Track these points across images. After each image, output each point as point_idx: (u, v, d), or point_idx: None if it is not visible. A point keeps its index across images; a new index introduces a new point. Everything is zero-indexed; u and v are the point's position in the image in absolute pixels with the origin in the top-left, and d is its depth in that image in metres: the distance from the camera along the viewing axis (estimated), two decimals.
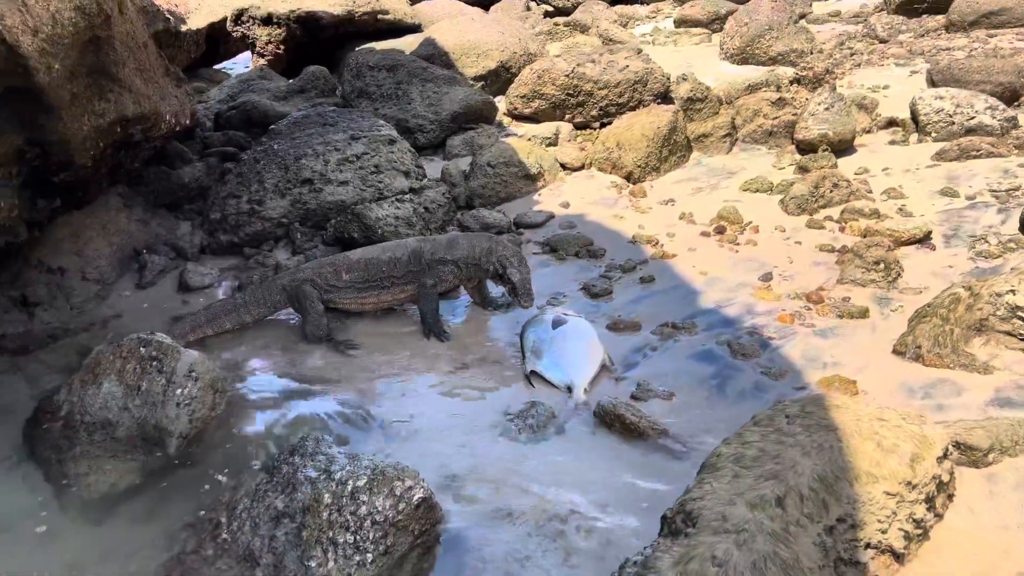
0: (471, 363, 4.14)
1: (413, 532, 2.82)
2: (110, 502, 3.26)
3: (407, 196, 5.67)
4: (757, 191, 5.95)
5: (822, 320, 4.23)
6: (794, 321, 4.24)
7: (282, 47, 9.83)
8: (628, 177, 6.39)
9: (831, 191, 5.51)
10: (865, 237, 4.91)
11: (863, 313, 4.21)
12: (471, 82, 7.74)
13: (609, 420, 3.50)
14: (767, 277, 4.72)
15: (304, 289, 4.49)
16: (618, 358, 4.06)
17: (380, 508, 2.78)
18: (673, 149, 6.55)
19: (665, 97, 7.24)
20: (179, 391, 3.59)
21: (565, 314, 4.25)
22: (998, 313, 3.66)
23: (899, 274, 4.49)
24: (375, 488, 2.84)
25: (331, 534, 2.73)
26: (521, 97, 7.21)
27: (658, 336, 4.24)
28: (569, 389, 3.79)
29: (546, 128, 7.10)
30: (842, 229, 5.21)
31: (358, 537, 2.72)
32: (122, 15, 4.23)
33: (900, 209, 5.34)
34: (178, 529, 3.05)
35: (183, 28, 10.25)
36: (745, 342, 4.06)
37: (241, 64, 11.77)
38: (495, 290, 4.76)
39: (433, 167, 6.63)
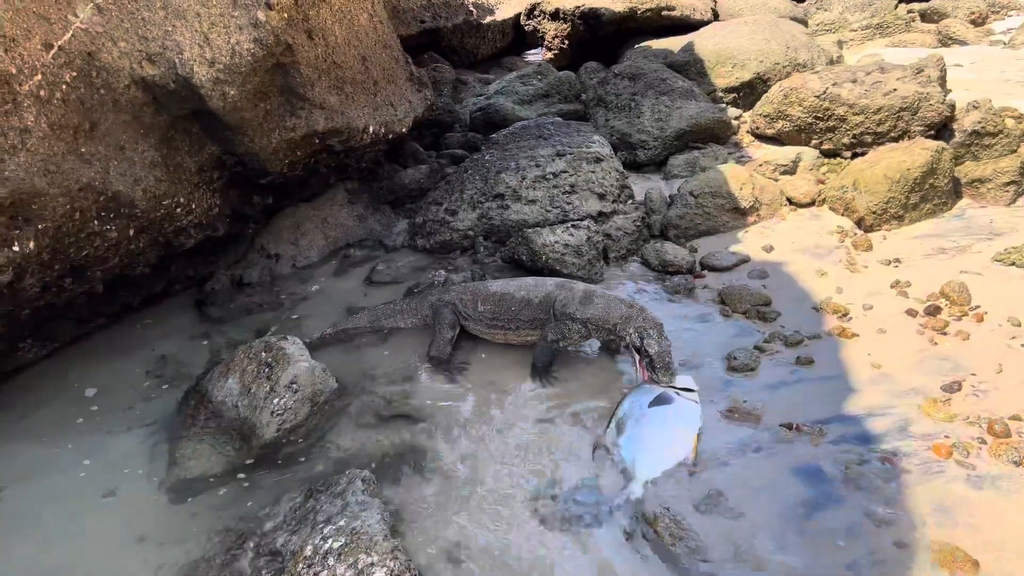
0: (561, 419, 3.95)
1: None
2: (196, 486, 3.71)
3: (585, 222, 5.48)
4: (1014, 264, 4.75)
5: (989, 463, 3.31)
6: (951, 455, 3.37)
7: (566, 42, 9.95)
8: (860, 223, 5.49)
9: None
10: None
11: None
12: (720, 94, 7.15)
13: (649, 525, 3.15)
14: (954, 387, 3.79)
15: (442, 311, 4.62)
16: (714, 450, 3.59)
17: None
18: (928, 195, 5.46)
19: (943, 128, 6.04)
20: (276, 400, 3.95)
21: (680, 390, 3.84)
22: None
23: None
24: (344, 555, 2.89)
25: None
26: (764, 116, 6.51)
27: (772, 436, 3.65)
28: (627, 475, 3.45)
29: (787, 153, 6.34)
30: None
31: None
32: (311, 40, 4.61)
33: None
34: (216, 531, 3.39)
35: (486, 20, 10.88)
36: (868, 468, 3.34)
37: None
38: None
39: (649, 186, 6.32)
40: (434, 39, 10.03)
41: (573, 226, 5.43)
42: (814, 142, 6.33)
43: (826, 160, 6.32)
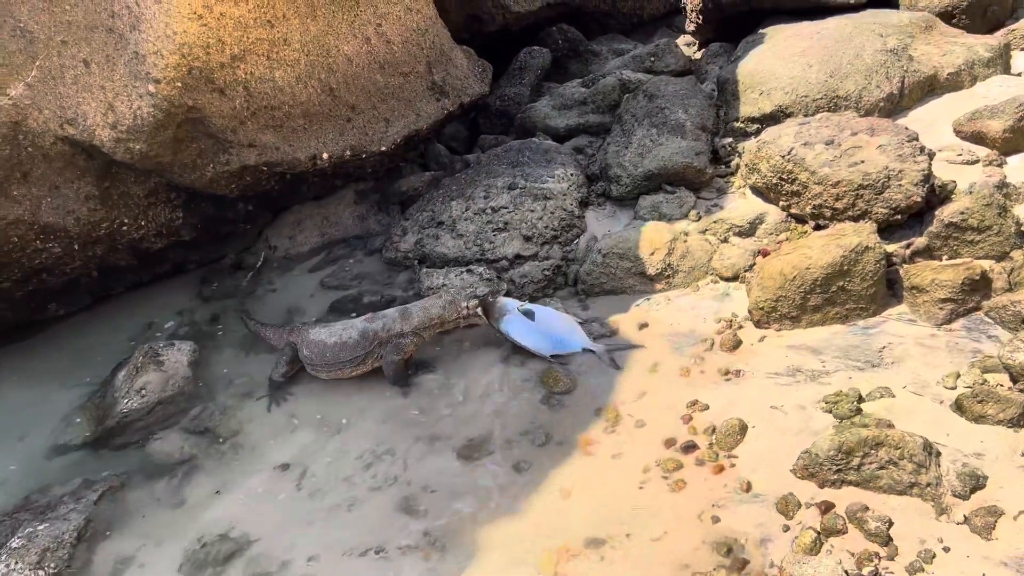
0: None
1: None
2: (59, 449, 5.10)
3: (485, 266, 5.76)
4: (831, 412, 4.20)
5: None
6: None
7: (700, 17, 9.30)
8: (751, 314, 5.05)
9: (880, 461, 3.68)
10: None
11: None
12: (740, 125, 6.49)
13: None
14: (596, 542, 3.76)
15: (286, 348, 5.44)
16: None
17: None
18: (836, 298, 4.81)
19: (921, 214, 5.10)
20: (126, 400, 5.17)
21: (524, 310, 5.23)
22: None
23: None
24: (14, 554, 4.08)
25: None
26: (746, 165, 5.93)
27: None
28: (586, 350, 5.07)
29: (752, 211, 5.78)
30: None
31: None
32: (223, 96, 5.41)
33: None
34: (35, 490, 4.77)
35: None
36: None
37: None
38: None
39: (610, 226, 6.24)
40: (569, 10, 9.97)
41: (468, 271, 5.77)
42: (782, 203, 5.66)
43: (795, 224, 5.65)
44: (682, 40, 10.14)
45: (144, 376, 5.25)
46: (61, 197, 5.35)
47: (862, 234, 4.87)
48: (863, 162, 5.16)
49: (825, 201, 5.30)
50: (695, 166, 6.07)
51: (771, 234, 5.68)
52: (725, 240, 5.74)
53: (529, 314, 5.23)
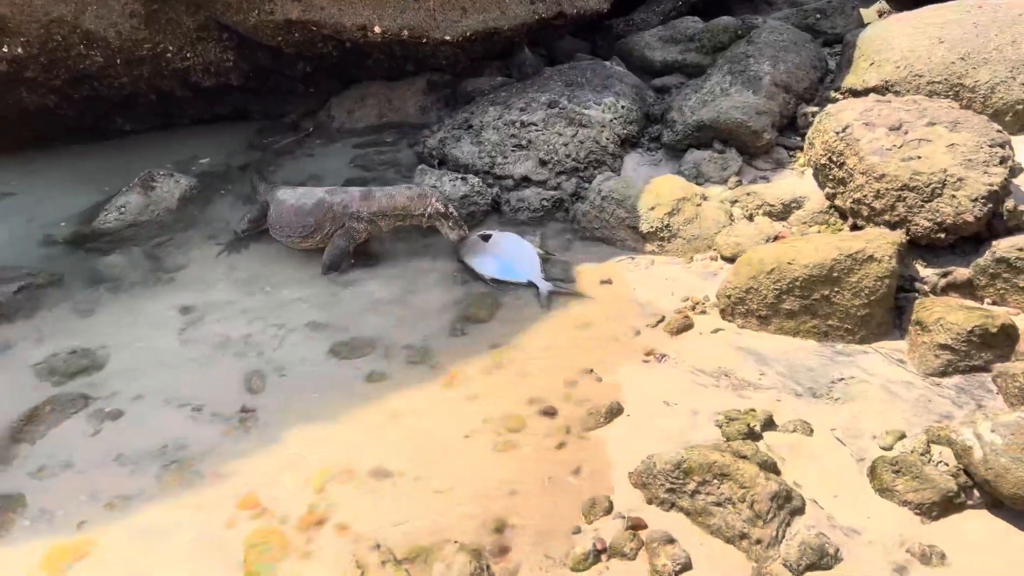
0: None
1: None
2: (51, 239, 5.46)
3: (483, 176, 5.34)
4: (727, 435, 3.44)
5: None
6: None
7: None
8: (718, 300, 4.27)
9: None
10: None
11: None
12: (842, 96, 5.39)
13: None
14: None
15: (257, 202, 5.47)
16: None
17: None
18: (817, 309, 3.92)
19: (976, 238, 3.99)
20: (110, 213, 5.40)
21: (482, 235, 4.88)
22: None
23: None
24: None
25: None
26: (808, 139, 4.94)
27: None
28: (531, 284, 4.56)
29: (792, 192, 4.84)
30: None
31: None
32: None
33: None
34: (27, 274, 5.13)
35: None
36: None
37: None
38: None
39: (650, 174, 5.53)
40: None
41: (462, 179, 5.37)
42: (827, 190, 4.66)
43: (835, 218, 4.65)
44: (877, 7, 8.72)
45: (129, 196, 5.45)
46: (106, 8, 5.56)
47: (876, 242, 3.90)
48: (920, 158, 4.09)
49: (865, 196, 4.29)
50: (750, 126, 5.16)
51: (805, 223, 4.74)
52: (751, 217, 4.88)
53: (485, 237, 4.80)
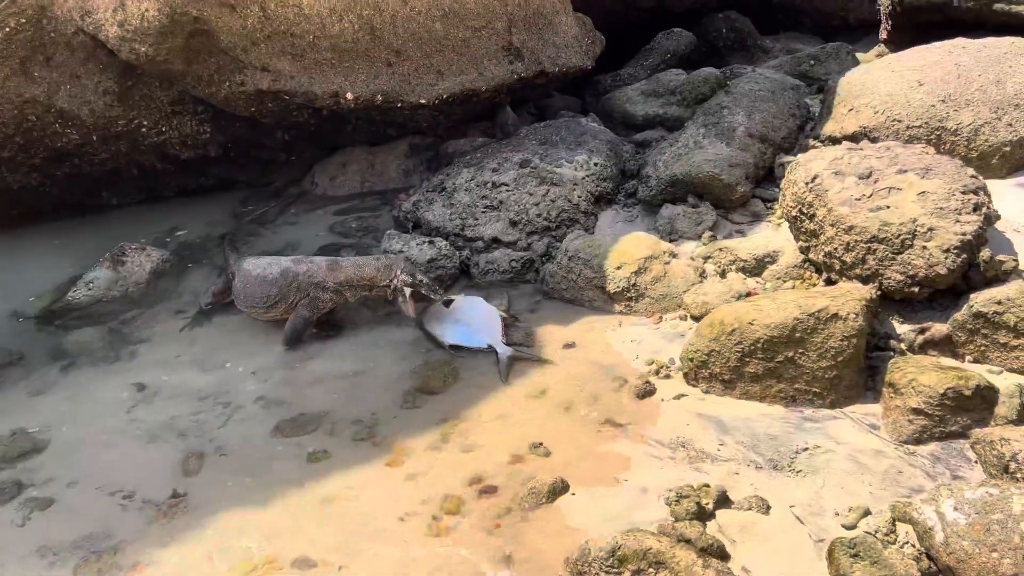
0: None
1: None
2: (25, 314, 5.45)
3: (452, 239, 5.21)
4: (675, 514, 3.18)
5: None
6: None
7: (890, 22, 7.71)
8: (681, 364, 4.03)
9: None
10: None
11: None
12: (821, 144, 5.18)
13: None
14: None
15: (226, 275, 5.33)
16: None
17: None
18: (782, 372, 3.67)
19: (957, 291, 3.72)
20: (77, 291, 5.37)
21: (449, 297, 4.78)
22: None
23: None
24: None
25: None
26: (780, 189, 4.73)
27: None
28: (491, 348, 4.38)
29: (766, 246, 4.62)
30: None
31: None
32: (233, 12, 5.29)
33: None
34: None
35: None
36: None
37: None
38: None
39: (625, 231, 5.35)
40: None
41: (429, 242, 5.25)
42: (801, 243, 4.42)
43: (810, 272, 4.41)
44: (876, 51, 8.54)
45: (98, 272, 5.43)
46: (80, 87, 5.63)
47: (842, 299, 3.65)
48: (889, 208, 3.85)
49: (835, 249, 4.05)
50: (722, 179, 4.96)
51: (779, 278, 4.50)
52: (723, 273, 4.66)
53: (447, 302, 4.66)
